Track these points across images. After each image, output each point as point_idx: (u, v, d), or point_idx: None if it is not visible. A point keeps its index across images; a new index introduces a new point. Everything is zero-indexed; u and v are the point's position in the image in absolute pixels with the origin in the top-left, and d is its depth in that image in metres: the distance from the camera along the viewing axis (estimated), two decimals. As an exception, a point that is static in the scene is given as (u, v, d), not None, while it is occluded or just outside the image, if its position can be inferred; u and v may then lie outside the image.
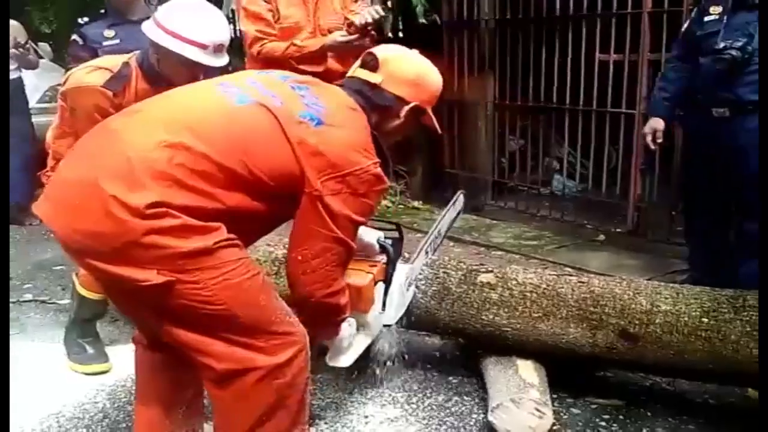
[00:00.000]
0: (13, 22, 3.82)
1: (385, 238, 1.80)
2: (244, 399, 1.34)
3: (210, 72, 2.19)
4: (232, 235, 1.29)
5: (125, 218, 1.20)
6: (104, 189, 1.21)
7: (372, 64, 1.55)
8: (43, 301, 2.92)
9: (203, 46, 2.05)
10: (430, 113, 1.60)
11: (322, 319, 1.53)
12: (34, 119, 4.71)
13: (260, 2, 2.69)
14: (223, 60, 2.14)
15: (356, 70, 1.58)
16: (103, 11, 2.87)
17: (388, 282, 1.78)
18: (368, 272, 1.70)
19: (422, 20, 4.12)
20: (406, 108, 1.55)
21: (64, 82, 2.25)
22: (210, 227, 1.26)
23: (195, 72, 2.06)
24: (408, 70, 1.57)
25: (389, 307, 1.81)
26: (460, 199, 2.23)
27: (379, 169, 1.42)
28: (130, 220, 1.20)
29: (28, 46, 3.98)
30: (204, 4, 2.14)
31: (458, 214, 2.26)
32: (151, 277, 1.22)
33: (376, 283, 1.73)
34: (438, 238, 2.12)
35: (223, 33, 2.12)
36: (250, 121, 1.34)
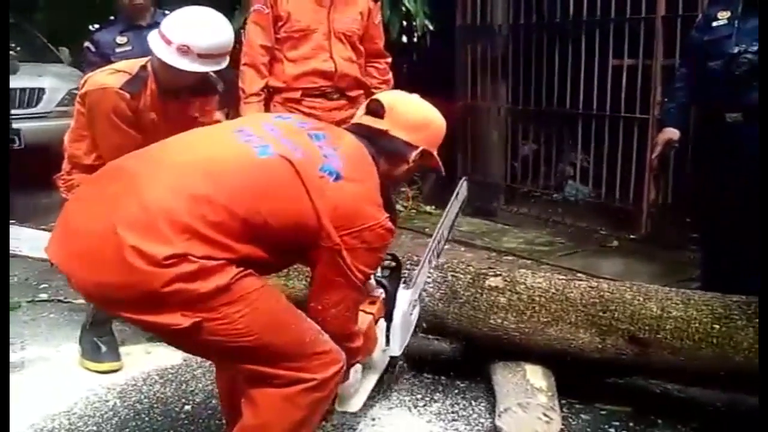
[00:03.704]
0: None
1: (383, 268, 1.78)
2: (278, 410, 1.36)
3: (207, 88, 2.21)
4: (243, 267, 1.30)
5: (143, 268, 1.20)
6: (123, 239, 1.21)
7: (378, 112, 1.55)
8: (59, 301, 2.96)
9: (183, 50, 2.03)
10: (436, 156, 1.60)
11: None
12: (53, 122, 4.82)
13: (265, 9, 2.72)
14: (203, 67, 2.08)
15: (362, 117, 1.57)
16: (113, 18, 2.90)
17: (389, 316, 1.78)
18: (368, 312, 1.69)
19: (421, 31, 4.12)
20: (415, 153, 1.54)
21: (82, 85, 2.27)
22: (224, 265, 1.27)
23: (178, 76, 2.08)
24: (414, 115, 1.57)
25: (394, 339, 1.80)
26: (463, 186, 2.15)
27: (390, 223, 1.44)
28: (148, 270, 1.20)
29: None
30: (205, 13, 2.11)
31: (464, 202, 2.20)
32: (178, 320, 1.24)
33: (377, 322, 1.72)
34: (442, 242, 2.10)
35: (208, 40, 2.06)
36: (272, 175, 1.34)
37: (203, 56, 2.07)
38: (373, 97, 1.61)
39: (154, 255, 1.20)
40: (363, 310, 1.67)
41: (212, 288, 1.24)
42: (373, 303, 1.72)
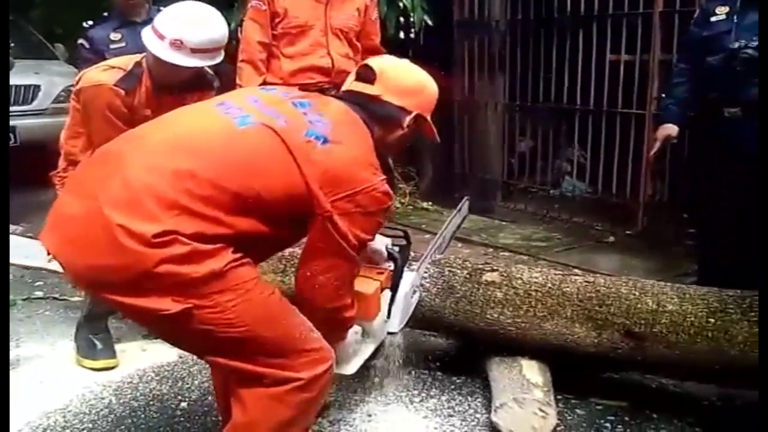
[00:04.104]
0: None
1: (393, 244, 1.79)
2: (265, 408, 1.35)
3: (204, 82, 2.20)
4: (240, 255, 1.28)
5: (134, 248, 1.18)
6: (110, 218, 1.19)
7: (368, 77, 1.51)
8: (54, 298, 2.95)
9: (176, 45, 2.02)
10: (430, 121, 1.58)
11: (327, 328, 1.52)
12: (49, 119, 4.80)
13: (262, 6, 2.71)
14: (197, 62, 2.07)
15: (352, 83, 1.53)
16: (107, 14, 2.89)
17: (394, 289, 1.78)
18: (375, 280, 1.69)
19: (419, 27, 4.12)
20: (409, 118, 1.51)
21: (77, 82, 2.26)
22: (219, 249, 1.24)
23: (173, 71, 2.07)
24: (406, 79, 1.54)
25: (394, 314, 1.80)
26: (465, 205, 2.23)
27: (386, 186, 1.40)
28: (140, 250, 1.18)
29: None
30: (199, 8, 2.09)
31: (463, 219, 2.26)
32: (168, 305, 1.21)
33: (382, 291, 1.73)
34: (443, 244, 2.12)
35: (201, 35, 2.05)
36: (255, 144, 1.31)
37: (197, 51, 2.05)
38: (363, 62, 1.58)
39: (143, 233, 1.18)
40: (371, 278, 1.67)
41: (206, 272, 1.22)
42: (381, 273, 1.72)
